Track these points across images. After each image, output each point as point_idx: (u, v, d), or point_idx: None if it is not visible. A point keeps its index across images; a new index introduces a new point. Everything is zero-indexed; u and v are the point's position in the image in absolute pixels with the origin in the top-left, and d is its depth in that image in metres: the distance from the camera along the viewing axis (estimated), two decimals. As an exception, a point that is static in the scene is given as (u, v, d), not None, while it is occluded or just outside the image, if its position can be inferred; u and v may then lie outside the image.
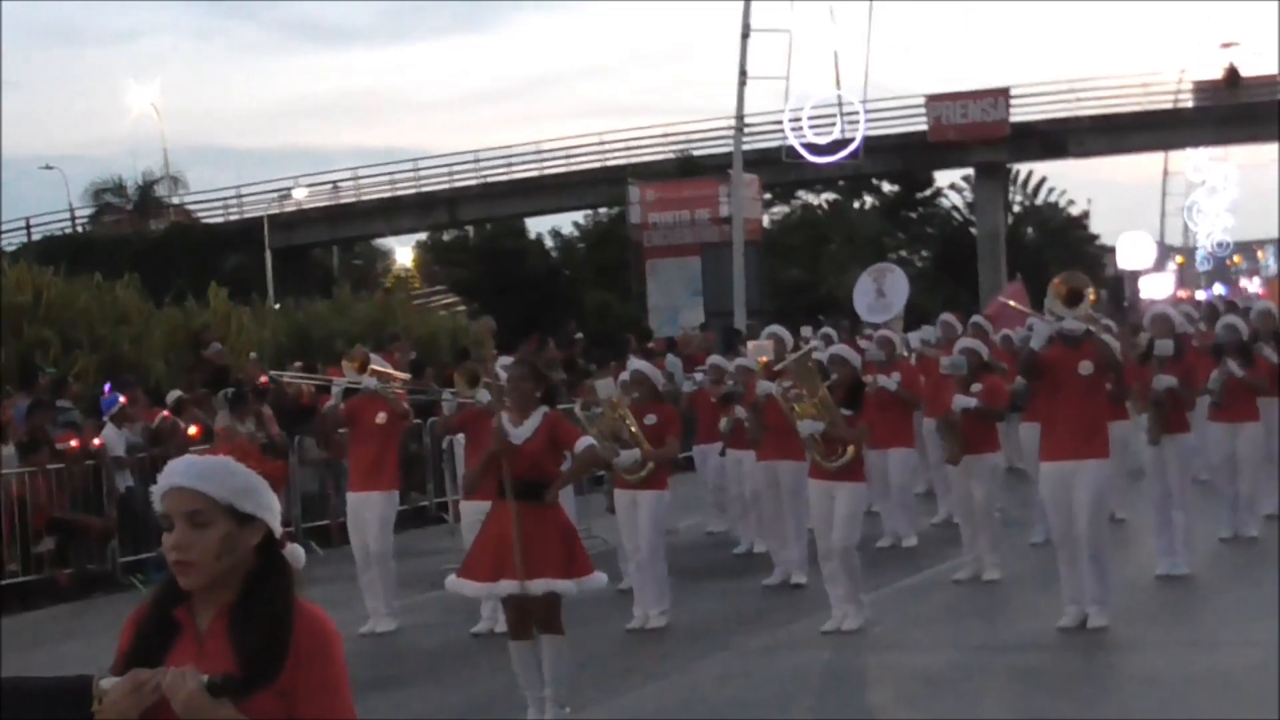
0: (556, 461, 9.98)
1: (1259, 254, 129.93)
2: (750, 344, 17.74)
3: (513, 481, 9.69)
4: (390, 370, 14.72)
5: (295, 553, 3.92)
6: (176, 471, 3.82)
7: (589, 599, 10.86)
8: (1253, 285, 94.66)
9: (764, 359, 14.95)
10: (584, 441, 10.02)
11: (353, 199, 58.72)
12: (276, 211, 55.32)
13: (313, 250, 60.35)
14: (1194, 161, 74.84)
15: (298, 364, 23.23)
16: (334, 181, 59.35)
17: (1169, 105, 56.35)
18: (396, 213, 58.25)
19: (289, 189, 57.81)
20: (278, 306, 35.05)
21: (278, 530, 3.85)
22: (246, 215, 57.18)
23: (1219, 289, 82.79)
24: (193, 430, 18.52)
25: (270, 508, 3.84)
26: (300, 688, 3.69)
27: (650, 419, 12.92)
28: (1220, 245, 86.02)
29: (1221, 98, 55.73)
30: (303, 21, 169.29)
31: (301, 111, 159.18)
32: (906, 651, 11.81)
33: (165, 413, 18.95)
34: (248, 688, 3.63)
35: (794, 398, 12.34)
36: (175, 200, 60.39)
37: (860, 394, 12.44)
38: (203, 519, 3.75)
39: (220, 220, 58.65)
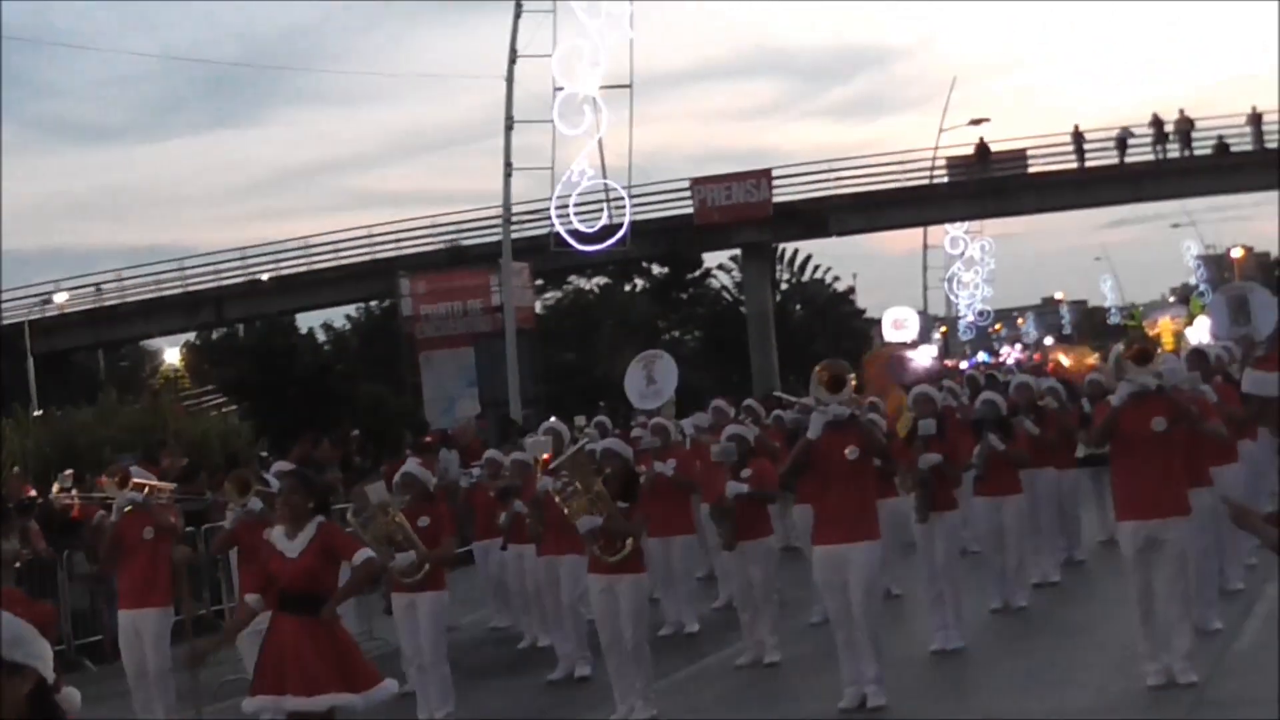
0: (332, 573, 9.83)
1: (1019, 321, 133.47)
2: (529, 439, 17.75)
3: (286, 595, 9.58)
4: (155, 482, 14.42)
5: (71, 697, 3.86)
6: (-58, 626, 3.73)
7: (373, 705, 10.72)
8: (1015, 352, 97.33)
9: (545, 455, 15.00)
10: (362, 554, 9.89)
11: (117, 301, 57.63)
12: (38, 316, 54.06)
13: (76, 355, 59.04)
14: (951, 235, 76.80)
15: (68, 472, 22.65)
16: (97, 284, 58.21)
17: (924, 181, 57.96)
18: (162, 313, 57.23)
19: (50, 293, 56.57)
20: (39, 414, 34.22)
21: (50, 676, 3.78)
22: (6, 322, 55.78)
23: (982, 356, 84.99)
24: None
25: (40, 655, 3.78)
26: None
27: (423, 521, 12.87)
28: (981, 315, 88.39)
29: (974, 172, 57.53)
30: (55, 120, 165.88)
31: (59, 212, 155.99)
32: (691, 741, 11.86)
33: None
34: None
35: (569, 494, 12.38)
36: (-71, 309, 58.66)
37: (635, 486, 12.53)
38: (-29, 672, 3.67)
39: (-22, 328, 57.14)
